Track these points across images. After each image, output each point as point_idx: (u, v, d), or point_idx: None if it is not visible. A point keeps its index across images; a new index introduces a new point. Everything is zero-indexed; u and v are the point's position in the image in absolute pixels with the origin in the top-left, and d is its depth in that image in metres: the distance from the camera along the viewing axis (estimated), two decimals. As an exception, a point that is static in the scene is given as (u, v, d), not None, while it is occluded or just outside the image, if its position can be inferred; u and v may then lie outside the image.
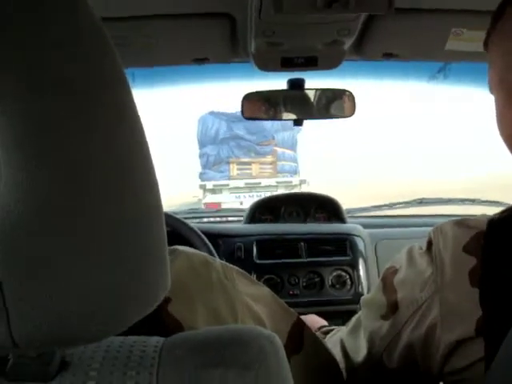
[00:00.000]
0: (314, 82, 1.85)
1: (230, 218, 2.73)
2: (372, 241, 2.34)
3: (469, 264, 0.77)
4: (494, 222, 0.78)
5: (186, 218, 2.21)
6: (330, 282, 2.20)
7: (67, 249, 0.42)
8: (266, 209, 2.47)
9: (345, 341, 1.02)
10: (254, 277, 2.15)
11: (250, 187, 10.78)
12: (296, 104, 1.88)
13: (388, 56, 1.66)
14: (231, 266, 0.86)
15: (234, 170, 11.21)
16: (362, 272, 2.23)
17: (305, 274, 2.20)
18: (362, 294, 2.18)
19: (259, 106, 1.88)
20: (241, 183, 10.85)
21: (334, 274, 2.21)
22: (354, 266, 2.22)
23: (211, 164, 11.27)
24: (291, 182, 10.97)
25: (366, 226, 2.40)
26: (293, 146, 11.55)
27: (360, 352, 0.96)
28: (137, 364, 0.51)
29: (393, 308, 0.87)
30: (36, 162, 0.41)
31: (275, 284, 2.15)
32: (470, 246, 0.79)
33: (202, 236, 1.92)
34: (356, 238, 2.28)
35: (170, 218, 1.90)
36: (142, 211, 0.47)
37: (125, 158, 0.46)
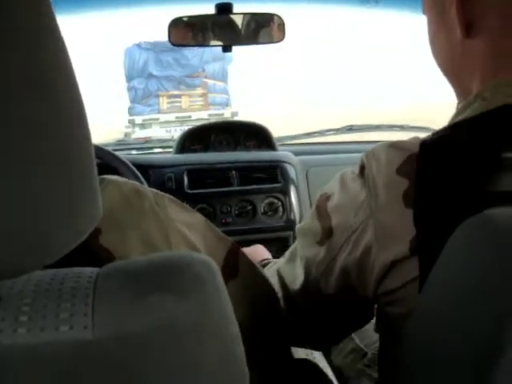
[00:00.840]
0: (243, 7, 1.82)
1: (159, 149, 2.69)
2: (303, 168, 2.35)
3: (402, 186, 0.78)
4: (427, 144, 0.79)
5: (114, 150, 2.16)
6: (262, 210, 2.21)
7: None
8: (196, 138, 2.43)
9: (281, 271, 1.03)
10: (186, 207, 2.14)
11: (181, 121, 10.60)
12: (224, 29, 1.84)
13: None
14: (163, 193, 0.85)
15: (163, 103, 11.00)
16: (293, 199, 2.24)
17: (237, 202, 2.20)
18: (293, 221, 2.22)
19: (186, 31, 1.83)
20: (171, 117, 10.70)
21: (266, 201, 2.22)
22: (286, 193, 2.23)
23: (140, 98, 11.00)
24: (223, 114, 10.85)
25: (296, 154, 2.40)
26: (223, 77, 11.34)
27: (297, 280, 0.96)
28: (71, 296, 0.49)
29: (328, 234, 0.88)
30: None
31: (208, 213, 2.14)
32: (402, 168, 0.79)
33: (132, 167, 1.88)
34: (287, 165, 2.28)
35: (99, 150, 1.85)
36: (71, 141, 0.45)
37: (51, 86, 0.43)
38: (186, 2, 1.65)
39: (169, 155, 2.40)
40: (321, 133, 2.95)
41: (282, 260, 1.06)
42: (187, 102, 11.11)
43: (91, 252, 0.71)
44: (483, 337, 0.59)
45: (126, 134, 10.59)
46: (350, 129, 2.93)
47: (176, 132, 10.02)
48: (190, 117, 10.70)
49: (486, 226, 0.65)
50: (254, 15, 1.85)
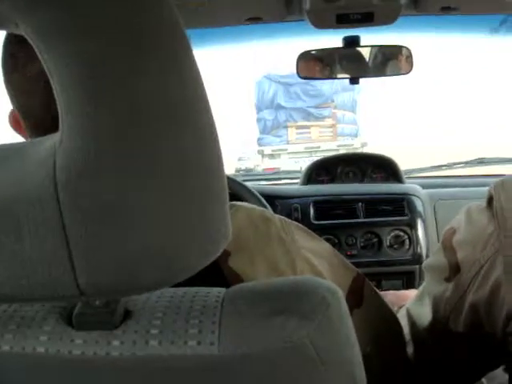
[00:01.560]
0: (370, 38, 1.83)
1: (286, 180, 2.72)
2: (430, 201, 2.31)
3: None
4: None
5: (243, 181, 2.22)
6: (388, 243, 2.19)
7: (132, 190, 0.43)
8: (323, 169, 2.45)
9: (410, 310, 1.01)
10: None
11: (310, 151, 10.57)
12: (352, 62, 1.86)
13: (446, 10, 1.62)
14: (290, 221, 0.86)
15: (292, 134, 11.07)
16: (420, 232, 2.20)
17: (362, 234, 2.19)
18: (420, 255, 2.18)
19: (314, 65, 1.86)
20: (300, 147, 10.69)
21: (392, 234, 2.19)
22: (413, 226, 2.20)
23: (269, 129, 11.16)
24: (352, 144, 10.74)
25: (424, 187, 2.37)
26: (352, 107, 11.32)
27: (425, 318, 0.95)
28: (199, 313, 0.52)
29: (455, 269, 0.85)
30: (95, 105, 0.42)
31: (333, 245, 2.13)
32: None
33: (259, 196, 1.93)
34: (414, 197, 2.25)
35: (228, 180, 1.90)
36: (204, 159, 0.47)
37: (183, 100, 0.46)
38: (314, 34, 1.68)
39: (295, 186, 2.43)
40: (449, 166, 2.89)
41: (412, 300, 1.04)
42: (316, 132, 11.11)
43: (220, 273, 0.73)
44: None
45: (256, 165, 10.74)
46: (481, 162, 2.85)
47: (304, 163, 10.19)
48: (318, 147, 10.67)
49: None
50: (381, 47, 1.85)
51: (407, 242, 2.19)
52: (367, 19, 1.55)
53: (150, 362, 0.50)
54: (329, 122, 11.20)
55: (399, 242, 2.19)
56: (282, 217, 0.86)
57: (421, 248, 2.19)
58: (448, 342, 0.92)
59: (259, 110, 11.12)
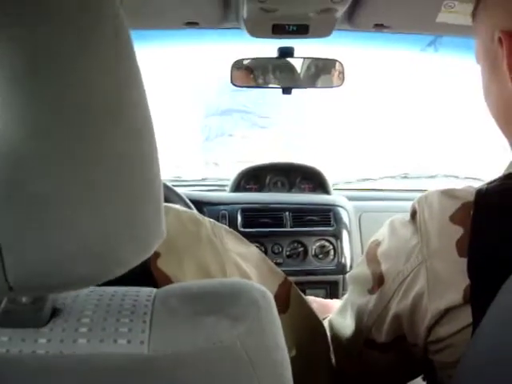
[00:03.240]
0: (304, 48, 1.85)
1: (215, 187, 2.72)
2: (356, 213, 2.36)
3: (456, 234, 0.77)
4: (482, 192, 0.78)
5: (172, 186, 2.21)
6: (313, 252, 2.22)
7: (65, 187, 0.43)
8: (251, 178, 2.47)
9: (333, 321, 1.03)
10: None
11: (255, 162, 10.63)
12: (285, 72, 1.88)
13: (379, 27, 1.66)
14: (220, 224, 0.86)
15: (237, 143, 11.00)
16: (345, 243, 2.24)
17: (289, 243, 2.21)
18: (344, 265, 2.22)
19: (248, 73, 1.87)
20: (247, 157, 10.66)
21: (318, 244, 2.22)
22: (338, 237, 2.24)
23: (213, 136, 11.08)
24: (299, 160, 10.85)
25: (350, 199, 2.41)
26: (299, 121, 11.37)
27: (347, 329, 0.96)
28: (130, 312, 0.52)
29: (379, 281, 0.87)
30: (32, 98, 0.41)
31: None
32: (457, 215, 0.78)
33: (188, 202, 1.92)
34: (340, 209, 2.29)
35: None
36: (140, 160, 0.47)
37: (124, 99, 0.46)
38: (250, 41, 1.69)
39: (224, 193, 2.44)
40: (375, 179, 2.95)
41: (334, 312, 1.06)
42: (260, 142, 11.08)
43: (149, 274, 0.73)
44: None
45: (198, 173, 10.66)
46: (405, 176, 2.92)
47: None
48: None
49: None
50: (314, 60, 1.88)
51: (332, 252, 2.23)
52: (302, 31, 1.57)
53: (78, 360, 0.49)
54: (272, 133, 11.23)
55: (324, 252, 2.23)
56: (212, 220, 0.86)
57: (345, 258, 2.23)
58: (370, 351, 0.93)
59: (206, 116, 11.04)
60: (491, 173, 0.90)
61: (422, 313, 0.81)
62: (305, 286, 2.19)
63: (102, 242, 0.45)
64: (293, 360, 0.60)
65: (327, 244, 2.23)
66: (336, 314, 1.03)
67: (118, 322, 0.51)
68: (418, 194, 2.55)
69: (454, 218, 0.78)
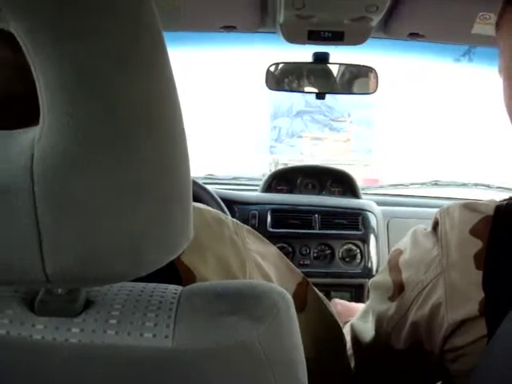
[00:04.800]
0: (339, 55, 1.87)
1: (246, 187, 2.75)
2: (384, 218, 2.37)
3: (475, 247, 0.79)
4: (502, 208, 0.80)
5: (203, 184, 2.24)
6: (340, 255, 2.24)
7: (103, 187, 0.46)
8: (283, 179, 2.49)
9: (354, 326, 1.04)
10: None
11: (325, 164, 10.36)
12: (319, 77, 1.90)
13: (414, 36, 1.67)
14: (242, 224, 0.89)
15: (306, 145, 10.56)
16: (372, 247, 2.26)
17: (316, 245, 2.24)
18: (370, 269, 2.23)
19: (283, 77, 1.90)
20: (316, 160, 10.12)
21: (345, 247, 2.25)
22: (365, 241, 2.26)
23: (283, 137, 10.71)
24: (368, 161, 10.41)
25: (379, 204, 2.43)
26: (368, 124, 10.96)
27: (367, 334, 0.98)
28: (156, 308, 0.55)
29: (399, 289, 0.88)
30: (76, 106, 0.44)
31: (287, 253, 2.18)
32: (476, 229, 0.79)
33: (219, 200, 1.95)
34: (369, 213, 2.30)
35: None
36: (172, 162, 0.50)
37: (157, 105, 0.49)
38: (285, 46, 1.71)
39: (255, 193, 2.46)
40: (405, 185, 2.96)
41: (357, 316, 1.07)
42: (330, 145, 10.64)
43: (174, 268, 0.75)
44: None
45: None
46: (436, 184, 2.92)
47: None
48: (336, 160, 10.33)
49: None
50: (349, 66, 1.90)
51: (359, 255, 2.25)
52: (337, 38, 1.59)
53: (107, 350, 0.52)
54: (344, 136, 10.77)
55: (351, 256, 2.25)
56: (235, 220, 0.89)
57: (371, 263, 2.25)
58: (388, 358, 0.95)
59: (274, 117, 10.84)
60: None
61: (439, 322, 0.82)
62: (330, 289, 2.22)
63: (134, 242, 0.48)
64: (308, 361, 0.62)
65: (354, 248, 2.25)
66: (358, 318, 1.05)
67: (144, 316, 0.54)
68: (447, 202, 2.55)
69: (473, 231, 0.80)
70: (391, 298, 0.90)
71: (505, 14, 0.86)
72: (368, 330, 0.98)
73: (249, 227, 0.90)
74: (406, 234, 0.93)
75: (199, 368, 0.53)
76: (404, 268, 0.88)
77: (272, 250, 0.94)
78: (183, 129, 0.53)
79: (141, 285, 0.59)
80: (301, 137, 10.67)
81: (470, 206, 0.83)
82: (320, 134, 10.70)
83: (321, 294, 1.03)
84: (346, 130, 10.74)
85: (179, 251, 0.53)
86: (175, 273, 0.74)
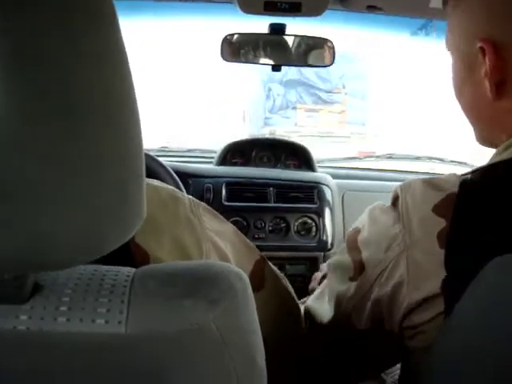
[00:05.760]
0: (296, 26, 1.84)
1: (201, 159, 2.73)
2: (340, 191, 2.37)
3: (438, 225, 0.78)
4: (466, 184, 0.79)
5: (157, 156, 2.21)
6: (295, 228, 2.24)
7: (47, 171, 0.43)
8: (238, 152, 2.48)
9: (309, 307, 1.03)
10: (220, 218, 2.17)
11: (322, 136, 10.17)
12: (275, 49, 1.88)
13: (372, 8, 1.66)
14: (198, 201, 0.87)
15: (301, 116, 10.62)
16: (327, 221, 2.26)
17: (271, 218, 2.23)
18: (325, 242, 2.24)
19: (238, 48, 1.87)
20: (313, 131, 10.29)
21: (300, 220, 2.25)
22: (320, 215, 2.26)
23: (277, 108, 10.67)
24: (366, 133, 10.60)
25: (334, 177, 2.43)
26: (363, 95, 10.99)
27: (325, 315, 0.97)
28: (108, 292, 0.53)
29: (360, 269, 0.87)
30: (17, 83, 0.42)
31: (241, 227, 2.17)
32: (440, 207, 0.79)
33: (173, 173, 1.92)
34: (324, 186, 2.30)
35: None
36: (124, 142, 0.48)
37: (111, 89, 0.46)
38: (241, 17, 1.69)
39: (210, 166, 2.44)
40: (360, 158, 2.97)
41: (311, 297, 1.07)
42: (325, 117, 10.68)
43: (127, 249, 0.73)
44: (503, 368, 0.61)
45: None
46: (390, 157, 2.94)
47: (316, 147, 9.84)
48: (332, 133, 10.38)
49: (510, 267, 0.67)
50: (305, 38, 1.88)
51: (314, 229, 2.25)
52: (295, 9, 1.57)
53: (58, 337, 0.50)
54: (338, 107, 10.80)
55: (306, 229, 2.25)
56: (191, 197, 0.87)
57: (327, 236, 2.25)
58: (349, 338, 0.95)
59: (269, 88, 10.57)
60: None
61: (400, 300, 0.82)
62: (285, 262, 2.22)
63: (84, 224, 0.46)
64: (265, 338, 0.61)
65: (309, 221, 2.25)
66: (313, 300, 1.04)
67: (96, 301, 0.52)
68: (401, 175, 2.56)
69: (436, 210, 0.79)
70: (352, 279, 0.90)
71: None
72: (326, 311, 0.97)
73: (205, 204, 0.88)
74: (364, 212, 0.92)
75: (154, 353, 0.51)
76: (363, 247, 0.88)
77: (229, 227, 0.92)
78: (135, 104, 0.51)
79: (92, 267, 0.56)
80: (295, 108, 10.61)
81: (432, 183, 0.82)
82: (315, 106, 10.67)
83: (278, 271, 1.02)
84: (341, 102, 10.72)
85: (133, 232, 0.51)
86: (129, 254, 0.72)
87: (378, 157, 2.97)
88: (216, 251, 0.84)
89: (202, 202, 0.88)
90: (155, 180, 0.86)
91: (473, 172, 0.81)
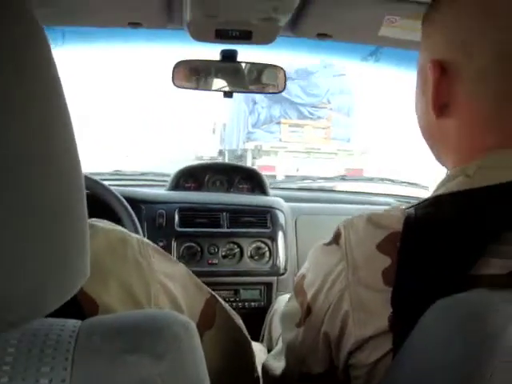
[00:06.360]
0: (248, 52, 1.85)
1: (155, 182, 2.71)
2: (293, 215, 2.39)
3: (383, 263, 0.78)
4: (411, 222, 0.78)
5: (109, 180, 2.19)
6: (249, 253, 2.24)
7: None
8: (191, 176, 2.47)
9: (266, 365, 1.03)
10: (174, 244, 2.17)
11: (309, 152, 10.24)
12: (228, 76, 1.88)
13: (322, 36, 1.67)
14: (148, 241, 0.86)
15: (285, 131, 10.57)
16: (280, 245, 2.27)
17: (225, 243, 2.23)
18: (279, 267, 2.25)
19: (190, 75, 1.86)
20: (300, 147, 10.29)
21: (254, 245, 2.25)
22: (274, 239, 2.27)
23: (261, 123, 10.60)
24: (352, 150, 10.50)
25: (287, 200, 2.44)
26: (348, 112, 10.95)
27: (278, 367, 0.96)
28: (53, 349, 0.51)
29: (307, 311, 0.87)
30: None
31: (195, 252, 2.17)
32: (383, 245, 0.78)
33: (123, 201, 1.89)
34: (277, 211, 2.31)
35: (92, 182, 1.86)
36: (65, 197, 0.47)
37: (46, 137, 0.45)
38: (194, 43, 1.69)
39: (162, 191, 2.43)
40: (313, 179, 2.99)
41: (269, 355, 1.06)
42: (310, 132, 10.64)
43: (75, 298, 0.72)
44: None
45: (253, 161, 10.15)
46: (343, 178, 2.98)
47: (302, 164, 9.60)
48: (319, 149, 10.31)
49: (452, 310, 0.67)
50: (257, 65, 1.89)
51: (267, 253, 2.26)
52: (245, 37, 1.57)
53: None
54: (323, 123, 10.77)
55: (260, 254, 2.25)
56: (141, 238, 0.86)
57: (280, 260, 2.26)
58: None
59: (254, 102, 10.45)
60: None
61: (346, 336, 0.81)
62: (239, 287, 2.22)
63: (26, 286, 0.45)
64: (218, 374, 0.60)
65: (263, 246, 2.25)
66: (269, 358, 1.03)
67: (40, 361, 0.50)
68: (354, 197, 2.58)
69: (380, 248, 0.79)
70: (299, 324, 0.89)
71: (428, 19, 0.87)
72: (279, 364, 0.96)
73: (154, 245, 0.87)
74: (307, 257, 0.92)
75: None
76: (309, 289, 0.87)
77: (179, 268, 0.92)
78: (78, 163, 0.49)
79: (37, 321, 0.55)
80: (279, 123, 10.56)
81: (374, 221, 0.81)
82: (299, 121, 10.63)
83: (229, 308, 1.01)
84: (326, 117, 10.70)
85: (75, 291, 0.50)
86: (76, 303, 0.71)
87: (330, 178, 3.00)
88: (165, 293, 0.83)
89: (151, 243, 0.87)
90: (104, 222, 0.84)
91: (416, 208, 0.81)
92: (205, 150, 13.75)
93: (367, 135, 11.17)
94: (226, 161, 12.38)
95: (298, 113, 10.69)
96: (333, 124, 10.84)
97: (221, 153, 13.28)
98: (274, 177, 8.22)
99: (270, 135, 10.63)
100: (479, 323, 0.63)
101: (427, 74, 0.84)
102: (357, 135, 11.06)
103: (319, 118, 10.79)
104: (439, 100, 0.83)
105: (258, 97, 10.31)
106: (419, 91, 0.89)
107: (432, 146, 0.92)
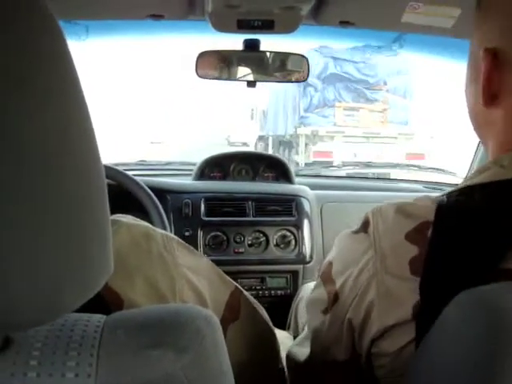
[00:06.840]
0: (270, 42, 1.85)
1: (180, 172, 2.72)
2: (318, 202, 2.38)
3: (410, 252, 0.78)
4: (442, 211, 0.78)
5: (134, 171, 2.20)
6: (274, 242, 2.24)
7: (10, 232, 0.43)
8: (216, 166, 2.48)
9: (290, 352, 1.04)
10: (200, 234, 2.19)
11: (368, 137, 9.87)
12: (251, 65, 1.88)
13: (344, 24, 1.67)
14: (172, 236, 0.87)
15: (339, 115, 10.14)
16: (306, 233, 2.27)
17: (250, 232, 2.23)
18: (304, 255, 2.25)
19: (213, 65, 1.87)
20: (358, 132, 9.89)
21: (279, 233, 2.25)
22: (299, 227, 2.27)
23: (314, 107, 10.20)
24: (413, 134, 10.09)
25: (313, 187, 2.44)
26: (405, 93, 10.45)
27: (303, 353, 0.97)
28: (78, 345, 0.52)
29: (334, 299, 0.87)
30: None
31: (221, 242, 2.18)
32: (412, 234, 0.78)
33: (149, 192, 1.91)
34: (302, 199, 2.31)
35: (118, 173, 1.88)
36: (87, 197, 0.48)
37: (64, 132, 0.46)
38: (217, 33, 1.69)
39: (188, 181, 2.44)
40: (338, 167, 2.99)
41: (294, 342, 1.06)
42: (365, 116, 10.24)
43: (100, 293, 0.73)
44: None
45: (307, 146, 9.82)
46: (368, 165, 2.96)
47: (359, 149, 9.13)
48: (378, 133, 9.94)
49: (475, 302, 0.67)
50: (280, 54, 1.88)
51: (293, 242, 2.26)
52: (267, 26, 1.57)
53: None
54: (380, 106, 10.32)
55: (285, 242, 2.25)
56: (165, 232, 0.87)
57: (305, 248, 2.26)
58: (333, 373, 0.93)
59: (306, 85, 9.83)
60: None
61: (370, 324, 0.82)
62: (265, 275, 2.23)
63: (49, 284, 0.45)
64: (242, 365, 0.61)
65: (288, 234, 2.25)
66: (294, 346, 1.04)
67: (66, 355, 0.51)
68: (379, 184, 2.56)
69: (409, 237, 0.79)
70: (325, 311, 0.90)
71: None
72: (303, 351, 0.97)
73: (179, 239, 0.88)
74: (334, 244, 0.92)
75: None
76: (337, 277, 0.87)
77: (203, 261, 0.92)
78: (98, 158, 0.50)
79: (62, 317, 0.56)
80: (333, 106, 10.16)
81: (404, 210, 0.81)
82: (354, 104, 10.22)
83: (254, 300, 1.02)
84: (382, 100, 10.29)
85: (99, 288, 0.51)
86: (101, 299, 0.72)
87: (355, 165, 2.99)
88: (190, 288, 0.83)
89: (175, 237, 0.87)
90: (128, 217, 0.85)
91: (448, 197, 0.80)
92: (239, 137, 13.41)
93: (425, 117, 10.70)
94: (270, 147, 12.07)
95: (352, 95, 10.28)
96: (390, 106, 10.37)
97: (261, 139, 12.97)
98: (330, 163, 7.72)
99: (323, 119, 10.21)
100: (503, 318, 0.63)
101: (479, 62, 0.82)
102: (414, 118, 10.65)
103: (376, 100, 10.34)
104: (490, 89, 0.82)
105: (310, 79, 9.60)
106: (470, 78, 0.88)
107: (479, 134, 0.91)
